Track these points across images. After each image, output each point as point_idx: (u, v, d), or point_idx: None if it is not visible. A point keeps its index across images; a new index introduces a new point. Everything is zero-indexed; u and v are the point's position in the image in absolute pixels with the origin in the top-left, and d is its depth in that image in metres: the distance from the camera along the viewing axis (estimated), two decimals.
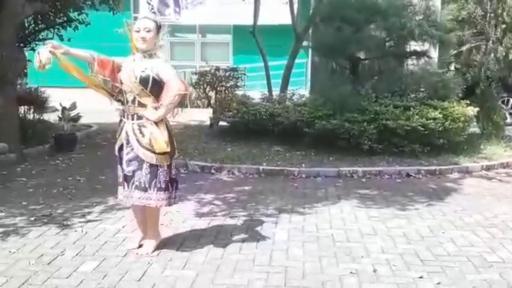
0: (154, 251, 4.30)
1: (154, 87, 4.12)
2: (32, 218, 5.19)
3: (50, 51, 3.93)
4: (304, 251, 4.40)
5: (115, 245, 4.48)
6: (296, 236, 4.79)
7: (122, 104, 4.26)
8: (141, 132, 4.13)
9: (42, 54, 3.91)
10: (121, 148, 4.28)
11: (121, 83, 4.17)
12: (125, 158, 4.22)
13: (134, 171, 4.18)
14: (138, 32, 4.14)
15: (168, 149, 4.14)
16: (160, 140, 4.10)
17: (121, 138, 4.27)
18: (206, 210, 5.62)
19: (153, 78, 4.10)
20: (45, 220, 5.13)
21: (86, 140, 10.11)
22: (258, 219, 5.27)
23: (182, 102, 4.21)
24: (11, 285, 3.67)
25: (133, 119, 4.17)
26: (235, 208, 5.69)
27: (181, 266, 4.05)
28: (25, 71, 10.87)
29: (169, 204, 4.35)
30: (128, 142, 4.19)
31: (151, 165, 4.15)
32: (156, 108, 4.12)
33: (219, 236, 4.75)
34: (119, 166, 4.34)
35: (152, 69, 4.11)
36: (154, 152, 4.12)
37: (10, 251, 4.30)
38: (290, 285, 3.74)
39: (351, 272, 3.96)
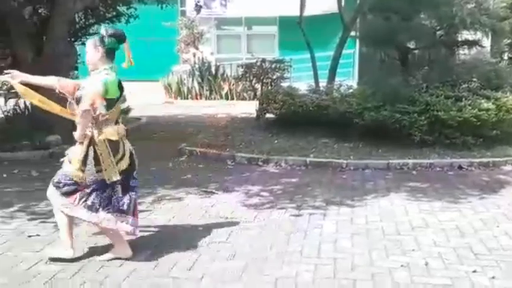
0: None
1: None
2: None
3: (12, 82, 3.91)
4: (353, 243, 4.36)
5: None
6: (345, 228, 4.75)
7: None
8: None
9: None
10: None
11: None
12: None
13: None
14: None
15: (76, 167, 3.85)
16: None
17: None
18: (253, 201, 5.63)
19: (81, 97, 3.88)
20: None
21: (136, 132, 10.26)
22: (306, 211, 5.25)
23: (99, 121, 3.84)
24: None
25: None
26: (282, 200, 5.68)
27: (229, 257, 4.07)
28: (76, 64, 11.14)
29: None
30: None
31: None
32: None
33: (266, 228, 4.75)
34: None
35: (84, 88, 3.90)
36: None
37: None
38: (339, 277, 3.71)
39: (401, 265, 3.89)
